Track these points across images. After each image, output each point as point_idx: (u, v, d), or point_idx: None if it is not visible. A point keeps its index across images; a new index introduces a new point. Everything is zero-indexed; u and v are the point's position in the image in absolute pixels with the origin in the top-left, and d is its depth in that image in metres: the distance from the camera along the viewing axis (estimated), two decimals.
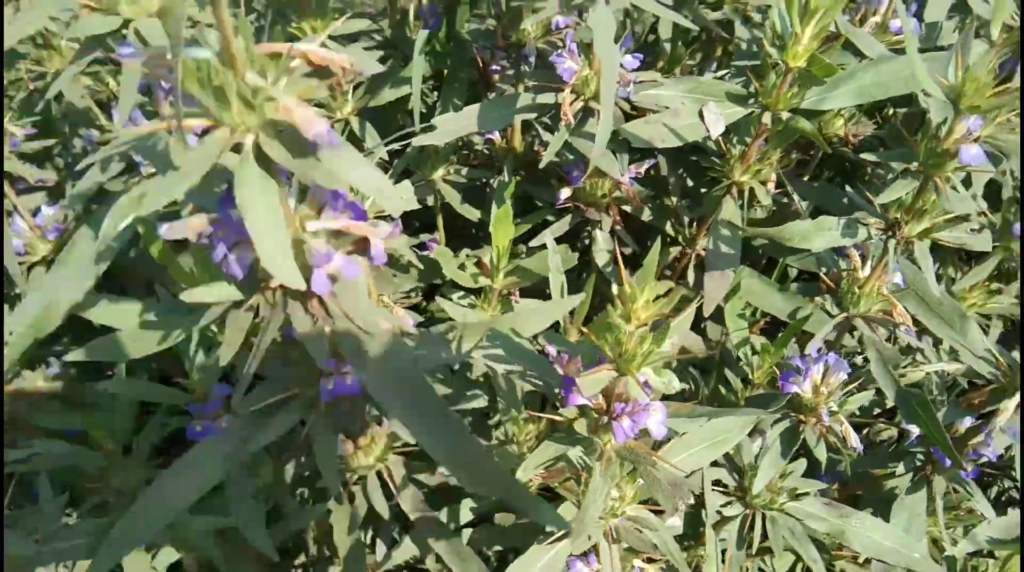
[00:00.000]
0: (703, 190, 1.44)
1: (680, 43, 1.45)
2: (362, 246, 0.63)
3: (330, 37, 1.26)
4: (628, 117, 1.14)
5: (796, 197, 1.18)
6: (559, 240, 1.36)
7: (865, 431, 1.29)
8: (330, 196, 0.65)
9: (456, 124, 1.11)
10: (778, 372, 1.15)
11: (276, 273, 0.52)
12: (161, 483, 0.71)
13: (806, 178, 1.41)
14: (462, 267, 1.21)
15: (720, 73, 1.50)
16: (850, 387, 0.95)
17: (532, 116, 1.14)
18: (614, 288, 0.62)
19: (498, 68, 1.42)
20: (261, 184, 0.53)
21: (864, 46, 1.16)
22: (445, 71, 1.37)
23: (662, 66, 1.41)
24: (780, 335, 1.10)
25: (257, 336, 0.66)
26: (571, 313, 1.13)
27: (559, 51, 1.10)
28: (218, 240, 0.59)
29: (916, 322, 1.03)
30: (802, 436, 0.92)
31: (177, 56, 0.47)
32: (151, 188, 0.51)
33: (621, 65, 1.09)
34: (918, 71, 0.77)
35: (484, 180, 1.42)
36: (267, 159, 0.52)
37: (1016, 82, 1.09)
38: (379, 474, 0.97)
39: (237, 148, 0.52)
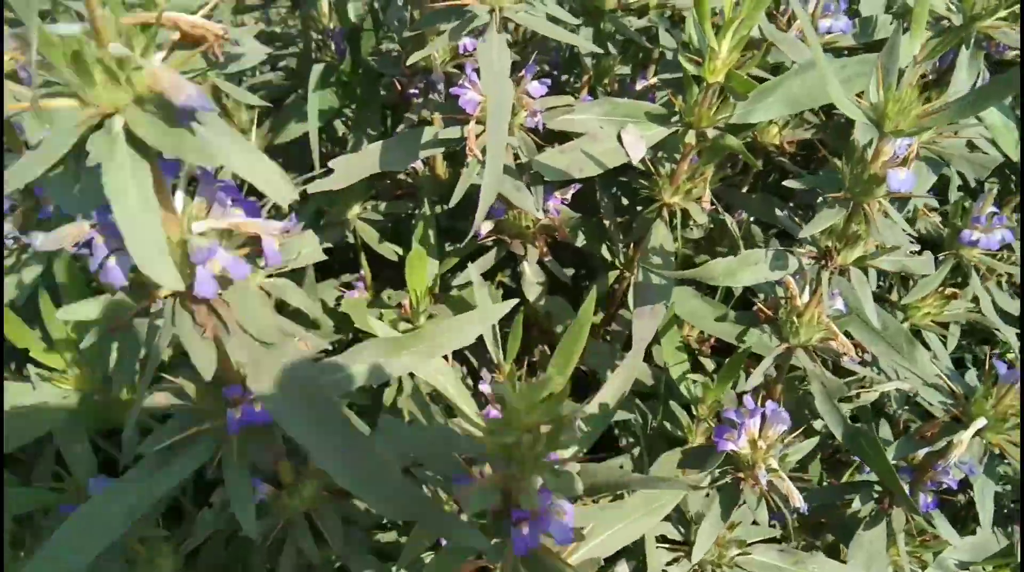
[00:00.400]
0: (639, 208, 1.37)
1: (607, 55, 1.37)
2: (255, 246, 0.59)
3: (225, 76, 1.16)
4: (550, 140, 1.06)
5: (729, 221, 1.10)
6: (488, 274, 1.28)
7: (820, 456, 1.22)
8: (219, 192, 0.60)
9: (355, 166, 1.02)
10: (723, 405, 1.08)
11: (150, 271, 0.47)
12: (55, 542, 0.62)
13: (745, 189, 1.33)
14: (381, 314, 1.12)
15: (653, 81, 1.42)
16: (794, 435, 0.87)
17: (439, 151, 1.05)
18: (485, 387, 0.53)
19: (416, 91, 1.33)
20: (132, 169, 0.48)
21: (791, 51, 1.08)
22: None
23: (588, 81, 1.33)
24: (724, 367, 1.03)
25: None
26: (503, 345, 1.05)
27: (461, 81, 1.01)
28: (99, 248, 0.55)
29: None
30: (743, 496, 0.85)
31: (30, 25, 0.43)
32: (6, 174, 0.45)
33: (527, 93, 1.00)
34: (832, 90, 0.69)
35: (408, 212, 1.33)
36: (140, 142, 0.48)
37: (946, 96, 1.02)
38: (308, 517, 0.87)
39: (105, 128, 0.48)
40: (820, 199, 0.79)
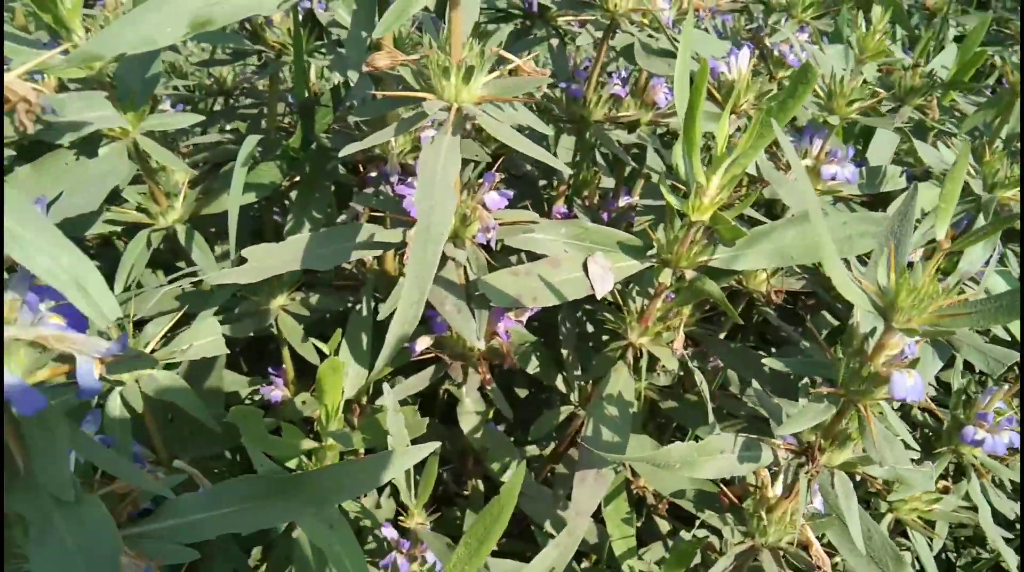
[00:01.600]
0: (606, 338, 1.22)
1: (591, 166, 1.25)
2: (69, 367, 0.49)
3: (163, 133, 1.02)
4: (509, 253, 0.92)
5: (698, 378, 0.95)
6: (413, 396, 1.12)
7: None
8: (30, 292, 0.49)
9: (274, 259, 0.87)
10: None
11: None
12: None
13: (725, 333, 1.19)
14: (279, 428, 0.94)
15: (636, 202, 1.30)
16: None
17: (374, 253, 0.90)
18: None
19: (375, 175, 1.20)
20: None
21: (788, 197, 0.96)
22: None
23: (564, 191, 1.20)
24: (670, 556, 0.86)
25: None
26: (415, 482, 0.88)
27: (410, 179, 0.88)
28: None
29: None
30: None
31: None
32: None
33: (483, 203, 0.87)
34: (828, 264, 0.55)
35: (346, 306, 1.18)
36: None
37: (959, 273, 0.89)
38: None
39: None
40: (805, 385, 0.64)
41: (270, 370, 1.19)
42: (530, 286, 0.87)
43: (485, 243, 0.86)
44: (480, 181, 0.87)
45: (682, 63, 0.88)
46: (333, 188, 1.16)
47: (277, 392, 1.16)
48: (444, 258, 0.90)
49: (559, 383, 1.13)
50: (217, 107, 1.73)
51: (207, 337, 0.88)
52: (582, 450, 0.86)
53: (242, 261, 0.87)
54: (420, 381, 1.02)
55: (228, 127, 1.33)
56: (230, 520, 0.59)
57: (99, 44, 0.82)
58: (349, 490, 0.65)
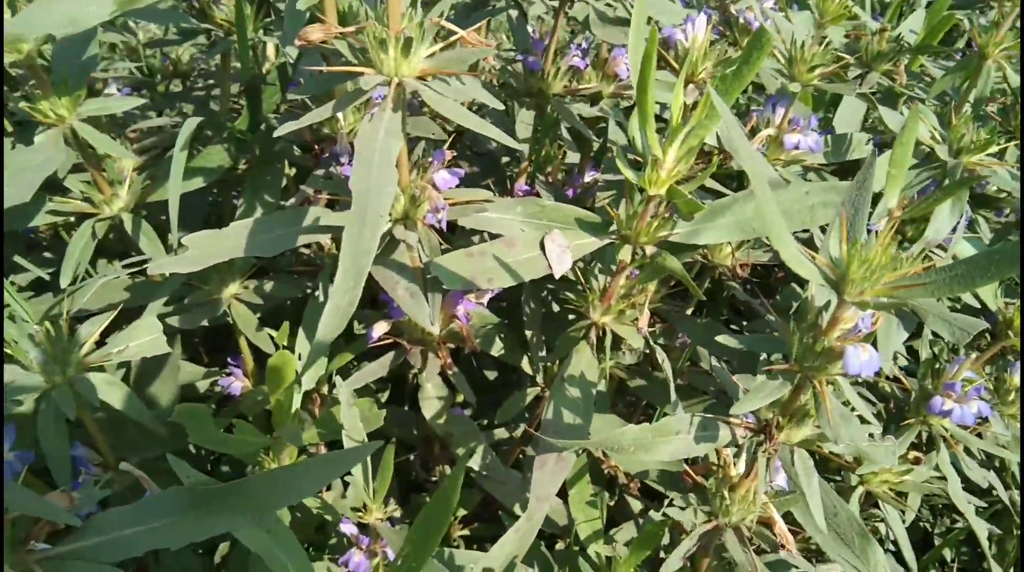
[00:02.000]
0: (572, 317, 1.20)
1: (552, 142, 1.22)
2: None
3: (109, 118, 0.98)
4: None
5: (660, 357, 0.92)
6: (383, 380, 1.09)
7: None
8: None
9: (216, 247, 0.83)
10: None
11: None
12: None
13: (691, 308, 1.16)
14: (232, 426, 0.91)
15: (600, 178, 1.27)
16: None
17: (319, 239, 0.87)
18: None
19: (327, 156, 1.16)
20: None
21: (748, 168, 0.93)
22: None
23: (525, 168, 1.17)
24: (635, 540, 0.84)
25: None
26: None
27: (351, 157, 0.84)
28: None
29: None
30: None
31: None
32: None
33: (432, 183, 0.84)
34: (775, 235, 0.53)
35: (304, 293, 1.15)
36: None
37: (924, 241, 0.87)
38: None
39: None
40: (760, 362, 0.62)
41: (229, 361, 1.16)
42: (485, 267, 0.84)
43: (436, 224, 0.83)
44: (429, 160, 0.84)
45: (636, 32, 0.85)
46: (290, 170, 1.13)
47: (237, 383, 1.13)
48: (395, 241, 0.87)
49: (524, 364, 1.11)
50: (175, 89, 1.68)
51: (147, 336, 0.85)
52: (543, 430, 0.84)
53: (181, 249, 0.83)
54: (379, 368, 1.00)
55: (184, 110, 1.29)
56: (159, 535, 0.56)
57: (21, 24, 0.78)
58: (288, 496, 0.62)
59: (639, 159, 0.94)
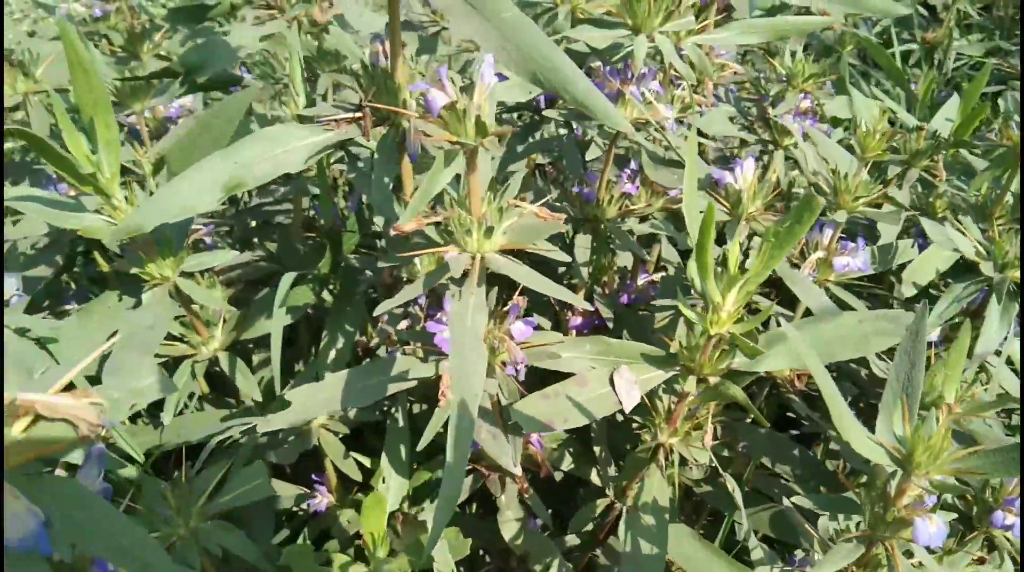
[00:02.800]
0: (634, 427, 1.25)
1: (605, 253, 1.29)
2: None
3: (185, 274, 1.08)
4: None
5: (731, 485, 0.97)
6: (460, 506, 1.16)
7: None
8: None
9: (315, 399, 0.91)
10: None
11: None
12: None
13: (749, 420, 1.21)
14: (329, 559, 0.99)
15: (655, 278, 1.33)
16: None
17: (408, 387, 0.95)
18: None
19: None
20: None
21: (803, 295, 0.99)
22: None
23: (583, 286, 1.24)
24: None
25: None
26: None
27: (439, 315, 0.92)
28: None
29: None
30: None
31: None
32: None
33: (509, 333, 0.91)
34: (844, 428, 0.59)
35: (383, 411, 1.23)
36: None
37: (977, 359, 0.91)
38: None
39: None
40: (835, 528, 0.67)
41: (313, 478, 1.24)
42: (560, 408, 0.91)
43: (514, 375, 0.90)
44: (506, 310, 0.92)
45: (690, 181, 0.92)
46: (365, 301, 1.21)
47: (323, 502, 1.21)
48: None
49: (594, 477, 1.17)
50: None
51: (253, 480, 0.93)
52: (625, 561, 0.90)
53: (286, 403, 0.92)
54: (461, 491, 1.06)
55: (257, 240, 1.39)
56: None
57: (143, 217, 0.88)
58: None
59: (694, 304, 1.01)
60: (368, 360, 1.08)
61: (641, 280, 1.39)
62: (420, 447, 0.91)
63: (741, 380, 0.97)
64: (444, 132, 0.73)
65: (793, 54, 1.44)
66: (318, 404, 0.91)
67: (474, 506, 1.33)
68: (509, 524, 1.07)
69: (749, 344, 0.85)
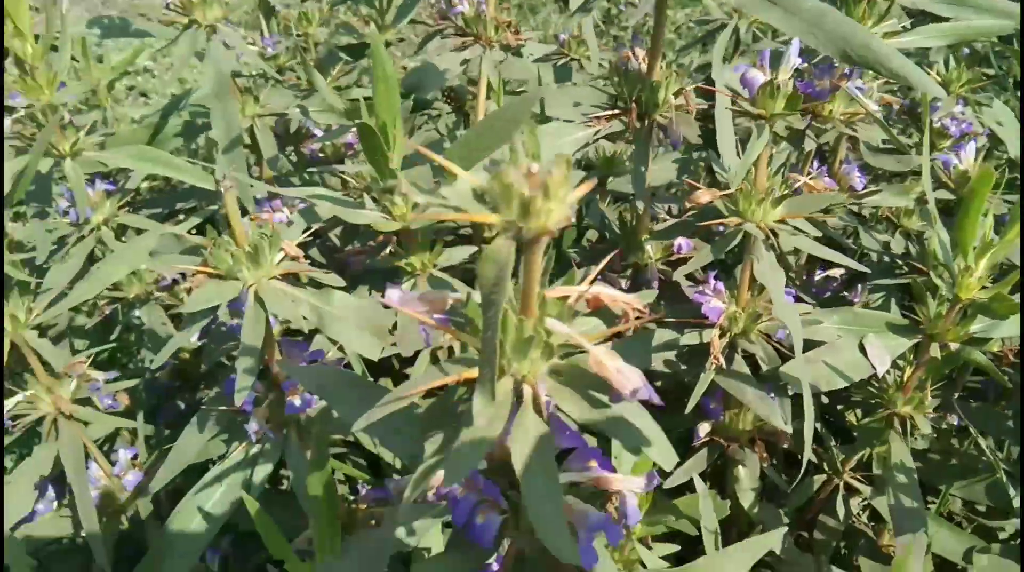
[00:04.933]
0: (840, 407, 1.32)
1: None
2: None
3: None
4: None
5: (983, 444, 1.03)
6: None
7: None
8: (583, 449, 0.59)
9: None
10: None
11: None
12: None
13: (957, 395, 1.27)
14: None
15: (835, 274, 1.41)
16: None
17: (671, 354, 1.02)
18: None
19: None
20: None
21: None
22: None
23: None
24: None
25: None
26: None
27: (700, 289, 1.00)
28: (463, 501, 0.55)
29: None
30: None
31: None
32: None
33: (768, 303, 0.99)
34: None
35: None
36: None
37: None
38: None
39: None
40: None
41: None
42: (821, 372, 0.98)
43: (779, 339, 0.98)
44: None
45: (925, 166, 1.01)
46: None
47: None
48: (731, 353, 1.02)
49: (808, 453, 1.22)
50: None
51: None
52: (894, 515, 0.95)
53: None
54: (699, 462, 1.13)
55: None
56: None
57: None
58: None
59: (918, 266, 1.08)
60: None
61: (819, 275, 1.47)
62: (691, 406, 0.98)
63: (978, 347, 1.04)
64: (754, 108, 0.82)
65: (945, 62, 1.54)
66: None
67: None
68: (746, 493, 1.13)
69: (1006, 302, 0.92)
